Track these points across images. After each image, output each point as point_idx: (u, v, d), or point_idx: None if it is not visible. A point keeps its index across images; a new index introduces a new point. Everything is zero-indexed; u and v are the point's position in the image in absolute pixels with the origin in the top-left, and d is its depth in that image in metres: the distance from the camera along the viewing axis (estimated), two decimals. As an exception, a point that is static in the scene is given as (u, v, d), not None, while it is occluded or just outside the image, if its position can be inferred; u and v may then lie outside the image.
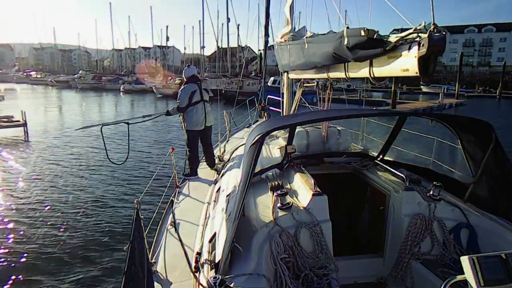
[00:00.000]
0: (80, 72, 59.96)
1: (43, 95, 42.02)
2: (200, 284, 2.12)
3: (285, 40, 4.68)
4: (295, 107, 5.44)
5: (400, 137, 3.57)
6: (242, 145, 4.85)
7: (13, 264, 5.25)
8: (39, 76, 66.72)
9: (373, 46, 2.23)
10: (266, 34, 7.83)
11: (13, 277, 4.95)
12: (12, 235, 6.16)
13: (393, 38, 2.15)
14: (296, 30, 4.82)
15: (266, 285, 1.86)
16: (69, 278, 4.93)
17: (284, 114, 5.92)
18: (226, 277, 1.76)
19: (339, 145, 4.09)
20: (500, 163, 2.51)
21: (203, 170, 5.42)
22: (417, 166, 3.46)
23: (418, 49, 1.93)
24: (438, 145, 4.79)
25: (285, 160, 3.39)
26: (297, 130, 3.77)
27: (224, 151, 6.02)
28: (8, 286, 4.79)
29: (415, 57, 1.95)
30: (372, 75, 2.45)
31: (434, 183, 2.66)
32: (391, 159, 3.54)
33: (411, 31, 2.04)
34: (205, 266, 2.31)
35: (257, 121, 7.24)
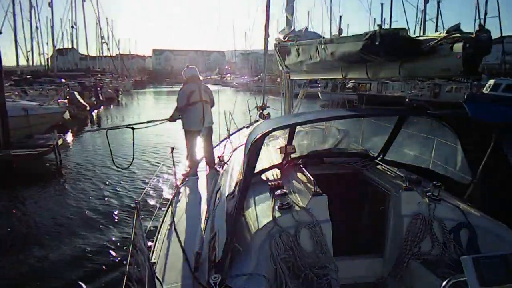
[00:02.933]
0: (261, 74, 61.16)
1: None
2: (200, 284, 2.12)
3: (288, 40, 4.68)
4: (298, 107, 5.45)
5: (400, 137, 3.57)
6: (242, 145, 4.85)
7: (17, 265, 5.26)
8: (229, 79, 68.07)
9: (410, 46, 2.24)
10: (267, 34, 7.83)
11: (15, 278, 4.97)
12: (14, 237, 6.17)
13: (431, 38, 2.16)
14: (297, 30, 4.83)
15: (266, 285, 1.86)
16: (69, 279, 4.93)
17: (284, 114, 5.92)
18: (226, 277, 1.77)
19: (339, 145, 4.09)
20: (500, 163, 2.51)
21: (203, 170, 5.43)
22: (417, 166, 3.46)
23: (464, 49, 1.96)
24: (438, 145, 4.78)
25: (285, 160, 3.39)
26: (297, 130, 3.77)
27: (224, 151, 6.02)
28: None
29: (460, 57, 1.98)
30: (401, 75, 2.46)
31: (434, 183, 2.66)
32: (391, 159, 3.54)
33: (454, 32, 2.06)
34: (205, 266, 2.32)
35: (257, 121, 7.23)
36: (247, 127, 7.27)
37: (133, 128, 4.80)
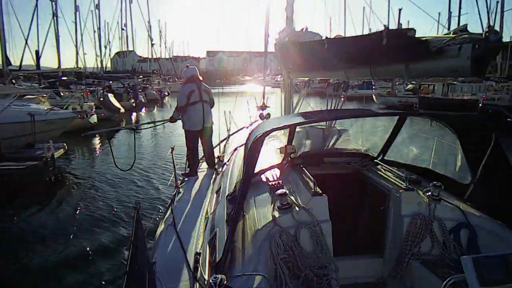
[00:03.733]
0: (309, 77, 60.84)
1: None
2: (200, 284, 2.12)
3: (289, 40, 4.68)
4: (299, 107, 5.45)
5: (400, 137, 3.57)
6: (242, 145, 4.86)
7: (17, 265, 5.26)
8: (279, 79, 68.90)
9: (417, 47, 2.22)
10: (267, 34, 7.82)
11: (14, 277, 4.96)
12: (15, 233, 6.17)
13: (439, 39, 2.15)
14: (297, 30, 4.82)
15: (266, 285, 1.86)
16: (69, 279, 4.93)
17: (284, 114, 5.92)
18: (226, 277, 1.77)
19: (339, 145, 4.09)
20: (500, 163, 2.51)
21: (203, 170, 5.43)
22: (417, 166, 3.46)
23: (473, 50, 1.94)
24: (438, 145, 4.78)
25: (285, 160, 3.39)
26: (297, 130, 3.77)
27: (224, 151, 6.02)
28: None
29: (468, 58, 1.96)
30: (407, 75, 2.44)
31: (434, 183, 2.66)
32: (391, 159, 3.54)
33: (462, 33, 2.05)
34: (205, 266, 2.32)
35: (256, 121, 7.23)
36: (247, 127, 7.27)
37: (133, 129, 4.84)
